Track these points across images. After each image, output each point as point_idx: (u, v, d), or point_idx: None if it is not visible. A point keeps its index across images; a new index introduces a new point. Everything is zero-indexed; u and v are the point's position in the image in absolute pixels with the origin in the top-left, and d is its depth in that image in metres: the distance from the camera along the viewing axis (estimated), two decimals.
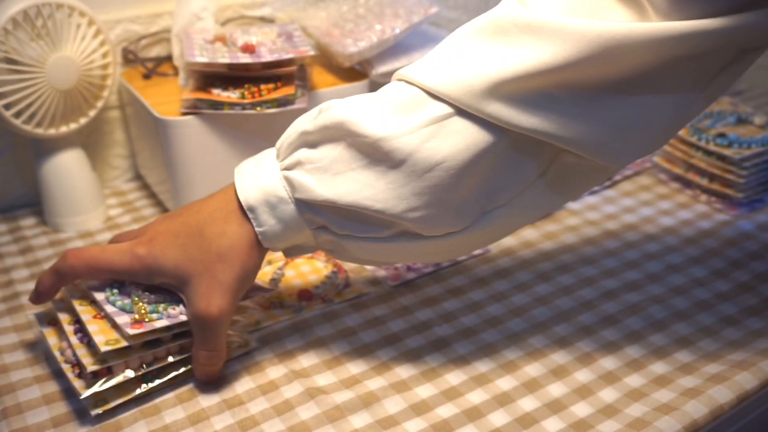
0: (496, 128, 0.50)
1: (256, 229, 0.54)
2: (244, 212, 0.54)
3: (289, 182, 0.53)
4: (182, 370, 0.58)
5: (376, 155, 0.51)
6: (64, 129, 0.75)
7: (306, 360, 0.61)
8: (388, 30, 0.80)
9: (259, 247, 0.55)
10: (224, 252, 0.53)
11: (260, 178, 0.54)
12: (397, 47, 0.82)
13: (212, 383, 0.58)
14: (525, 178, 0.53)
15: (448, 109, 0.50)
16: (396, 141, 0.50)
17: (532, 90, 0.49)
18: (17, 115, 0.71)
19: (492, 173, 0.52)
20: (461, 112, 0.50)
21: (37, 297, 0.58)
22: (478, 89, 0.49)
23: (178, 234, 0.55)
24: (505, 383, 0.59)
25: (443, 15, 1.01)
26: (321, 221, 0.54)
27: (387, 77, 0.82)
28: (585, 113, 0.50)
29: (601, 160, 0.52)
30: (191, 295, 0.54)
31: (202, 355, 0.56)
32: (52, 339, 0.59)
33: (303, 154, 0.53)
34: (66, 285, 0.58)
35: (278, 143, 0.56)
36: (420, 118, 0.50)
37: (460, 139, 0.50)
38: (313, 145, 0.53)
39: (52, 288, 0.57)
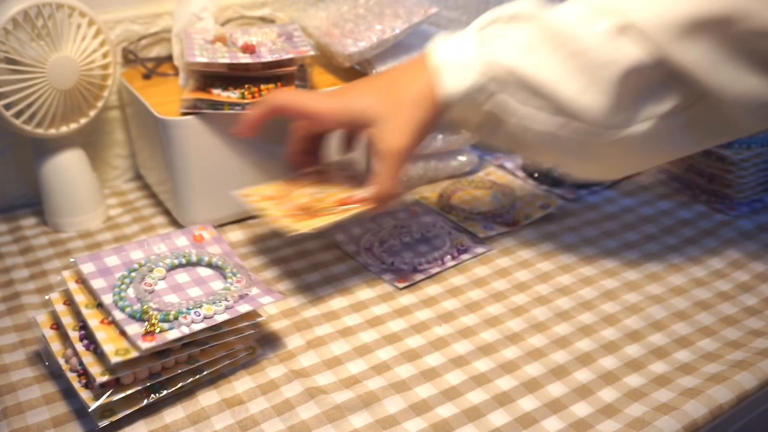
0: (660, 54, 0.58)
1: (442, 84, 0.62)
2: (432, 69, 0.63)
3: (481, 41, 0.62)
4: (190, 380, 0.57)
5: (563, 41, 0.60)
6: (64, 129, 0.75)
7: (306, 360, 0.61)
8: (388, 30, 0.80)
9: (439, 108, 0.63)
10: (412, 99, 0.63)
11: (453, 43, 0.63)
12: (397, 47, 0.82)
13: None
14: (671, 104, 0.60)
15: (623, 21, 0.58)
16: (583, 36, 0.59)
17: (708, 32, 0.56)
18: (18, 115, 0.71)
19: (645, 85, 0.59)
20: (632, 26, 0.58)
21: (239, 128, 0.69)
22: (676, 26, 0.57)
23: (371, 83, 0.66)
24: (505, 383, 0.59)
25: (443, 15, 1.02)
26: (499, 86, 0.62)
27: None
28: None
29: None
30: (379, 133, 0.63)
31: (380, 182, 0.64)
32: (55, 344, 0.58)
33: (499, 27, 0.62)
34: (270, 117, 0.68)
35: (472, 25, 0.64)
36: (604, 24, 0.59)
37: (630, 50, 0.58)
38: (508, 21, 0.62)
39: (258, 118, 0.68)
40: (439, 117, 0.64)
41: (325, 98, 0.66)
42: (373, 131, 0.64)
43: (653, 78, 0.59)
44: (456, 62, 0.62)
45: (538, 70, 0.60)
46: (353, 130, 0.70)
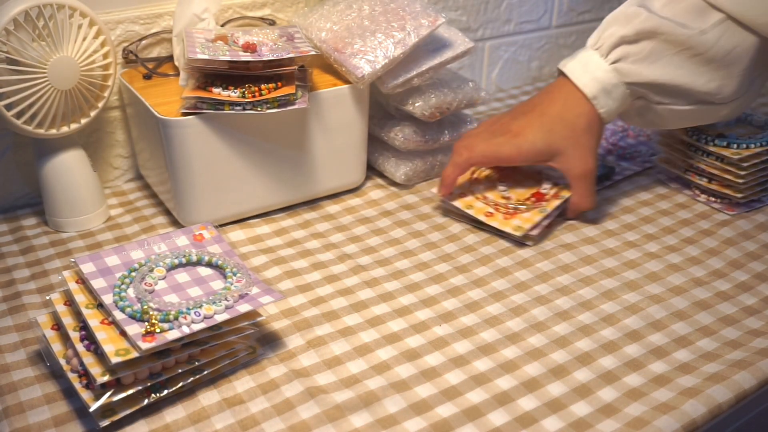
0: (754, 31, 0.72)
1: (599, 110, 0.76)
2: (587, 100, 0.76)
3: (618, 72, 0.75)
4: (190, 380, 0.57)
5: (683, 47, 0.72)
6: (65, 129, 0.75)
7: (306, 359, 0.62)
8: (399, 47, 0.80)
9: (602, 127, 0.78)
10: (586, 127, 0.76)
11: (594, 73, 0.76)
12: (407, 58, 0.82)
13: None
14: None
15: (722, 15, 0.72)
16: (697, 38, 0.72)
17: None
18: (18, 115, 0.71)
19: (753, 61, 0.73)
20: (731, 18, 0.71)
21: (444, 189, 0.81)
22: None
23: (542, 123, 0.77)
24: (505, 383, 0.59)
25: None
26: (641, 94, 0.76)
27: (398, 88, 0.83)
28: None
29: None
30: (568, 163, 0.77)
31: (579, 199, 0.79)
32: (56, 345, 0.58)
33: (624, 50, 0.75)
34: (462, 173, 0.80)
35: (594, 44, 0.77)
36: (708, 21, 0.72)
37: (737, 36, 0.72)
38: (630, 42, 0.74)
39: (454, 179, 0.80)
40: (603, 128, 0.79)
41: (510, 143, 0.78)
42: (560, 162, 0.78)
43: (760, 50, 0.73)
44: (605, 91, 0.76)
45: (671, 76, 0.74)
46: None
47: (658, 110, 0.77)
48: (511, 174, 0.84)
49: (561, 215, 0.82)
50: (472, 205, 0.80)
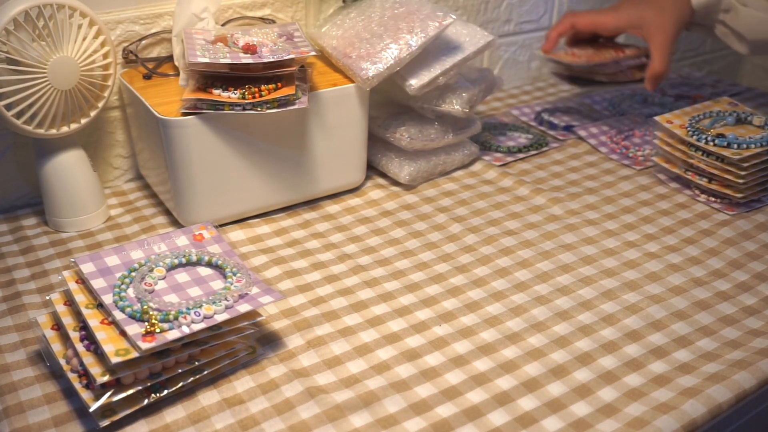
0: None
1: (693, 2, 0.92)
2: None
3: None
4: (190, 380, 0.57)
5: None
6: (65, 129, 0.75)
7: (306, 359, 0.62)
8: (405, 48, 0.80)
9: (690, 12, 0.92)
10: (672, 7, 0.91)
11: None
12: (427, 56, 0.83)
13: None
14: None
15: None
16: None
17: None
18: (18, 115, 0.71)
19: None
20: None
21: (548, 44, 0.98)
22: None
23: (638, 1, 0.94)
24: (505, 383, 0.59)
25: None
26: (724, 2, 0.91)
27: (425, 89, 0.83)
28: None
29: None
30: (651, 30, 0.91)
31: (657, 63, 0.91)
32: (56, 345, 0.59)
33: None
34: (567, 33, 0.98)
35: None
36: None
37: None
38: None
39: (557, 37, 0.97)
40: (688, 18, 0.92)
41: (607, 13, 0.95)
42: (645, 30, 0.91)
43: None
44: None
45: None
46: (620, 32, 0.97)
47: (742, 14, 0.90)
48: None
49: (639, 81, 0.97)
50: (563, 58, 0.98)
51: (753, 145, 0.82)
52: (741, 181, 0.81)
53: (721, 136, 0.83)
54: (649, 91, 0.97)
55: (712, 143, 0.83)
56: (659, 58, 0.91)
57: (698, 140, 0.84)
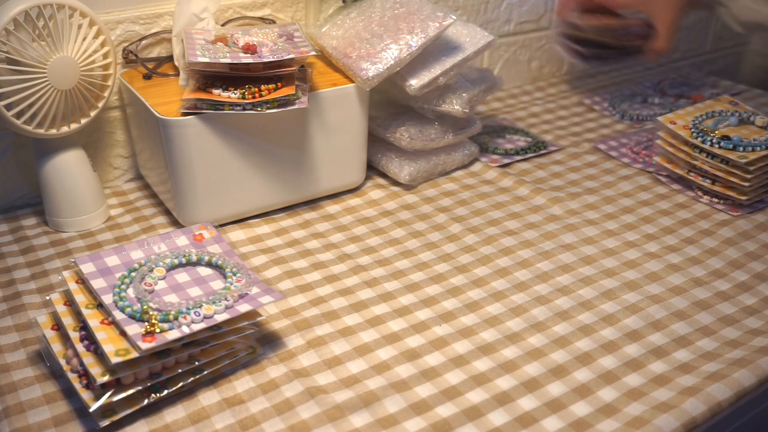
0: None
1: None
2: None
3: None
4: (190, 380, 0.57)
5: None
6: (65, 129, 0.75)
7: (306, 359, 0.62)
8: (405, 48, 0.80)
9: None
10: None
11: None
12: (427, 56, 0.83)
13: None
14: None
15: None
16: None
17: None
18: (18, 115, 0.71)
19: None
20: None
21: (563, 9, 0.99)
22: None
23: None
24: (505, 383, 0.59)
25: None
26: None
27: (425, 89, 0.83)
28: None
29: None
30: (656, 9, 0.94)
31: (661, 40, 0.94)
32: (56, 345, 0.58)
33: None
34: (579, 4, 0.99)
35: None
36: None
37: None
38: None
39: (570, 4, 0.99)
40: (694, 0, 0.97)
41: None
42: (651, 8, 0.95)
43: None
44: None
45: None
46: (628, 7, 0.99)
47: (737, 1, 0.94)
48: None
49: (638, 53, 0.98)
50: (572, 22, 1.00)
51: (758, 148, 0.81)
52: (747, 184, 0.81)
53: (725, 138, 0.83)
54: (648, 61, 1.01)
55: (717, 146, 0.82)
56: (664, 35, 0.96)
57: (703, 142, 0.83)
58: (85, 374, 0.55)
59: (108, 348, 0.53)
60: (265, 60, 0.73)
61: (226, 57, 0.73)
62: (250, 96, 0.72)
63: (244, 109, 0.72)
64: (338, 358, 0.62)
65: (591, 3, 1.01)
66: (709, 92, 1.14)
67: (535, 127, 1.05)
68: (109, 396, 0.53)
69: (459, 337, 0.64)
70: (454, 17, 0.82)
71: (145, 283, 0.60)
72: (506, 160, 0.94)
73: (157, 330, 0.54)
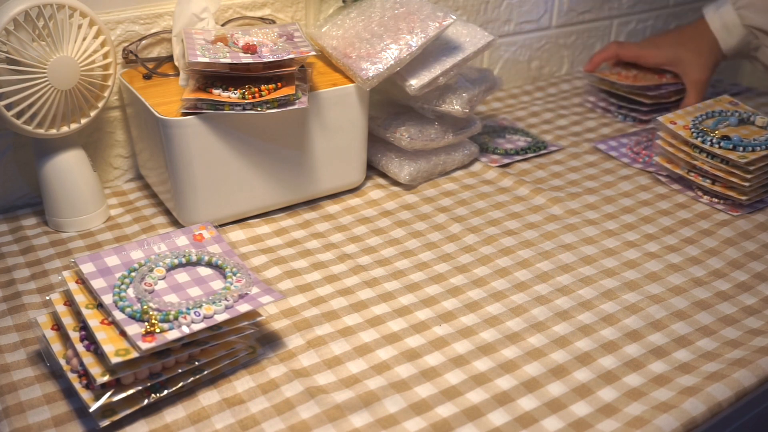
0: None
1: (723, 45, 1.03)
2: (717, 35, 1.03)
3: (740, 16, 1.01)
4: (190, 380, 0.57)
5: None
6: (65, 129, 0.75)
7: (306, 359, 0.62)
8: (405, 48, 0.80)
9: (722, 54, 1.04)
10: (709, 48, 1.03)
11: (722, 15, 1.02)
12: (427, 56, 0.83)
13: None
14: None
15: None
16: None
17: None
18: (18, 115, 0.71)
19: None
20: None
21: (590, 65, 1.10)
22: None
23: (677, 38, 1.06)
24: (505, 383, 0.59)
25: None
26: (753, 40, 1.02)
27: (425, 89, 0.83)
28: None
29: None
30: (687, 68, 1.03)
31: (691, 100, 1.02)
32: (56, 345, 0.58)
33: (747, 1, 1.00)
34: (610, 60, 1.11)
35: None
36: None
37: None
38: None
39: (600, 60, 1.10)
40: (721, 60, 1.04)
41: (649, 48, 1.06)
42: (682, 68, 1.03)
43: None
44: (727, 29, 1.02)
45: None
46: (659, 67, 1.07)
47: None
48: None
49: (668, 110, 0.96)
50: (608, 76, 1.08)
51: (758, 148, 0.81)
52: (747, 184, 0.81)
53: (725, 138, 0.83)
54: None
55: (717, 146, 0.82)
56: (694, 95, 1.03)
57: (703, 142, 0.83)
58: (85, 374, 0.55)
59: (108, 348, 0.53)
60: (265, 60, 0.73)
61: (226, 57, 0.73)
62: (250, 96, 0.72)
63: (244, 109, 0.72)
64: (338, 358, 0.62)
65: (622, 59, 1.09)
66: (709, 92, 1.14)
67: (535, 127, 1.05)
68: (109, 396, 0.53)
69: (459, 337, 0.64)
70: (454, 17, 0.82)
71: (145, 283, 0.60)
72: (506, 160, 0.94)
73: (157, 330, 0.54)
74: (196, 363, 0.57)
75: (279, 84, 0.74)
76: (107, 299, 0.57)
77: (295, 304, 0.68)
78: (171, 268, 0.62)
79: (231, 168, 0.77)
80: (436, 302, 0.69)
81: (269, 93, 0.73)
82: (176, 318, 0.56)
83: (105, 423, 0.53)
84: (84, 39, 0.72)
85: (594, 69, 1.10)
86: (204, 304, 0.57)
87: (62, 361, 0.57)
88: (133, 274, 0.60)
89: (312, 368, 0.61)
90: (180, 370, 0.56)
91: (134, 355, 0.53)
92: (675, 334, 0.65)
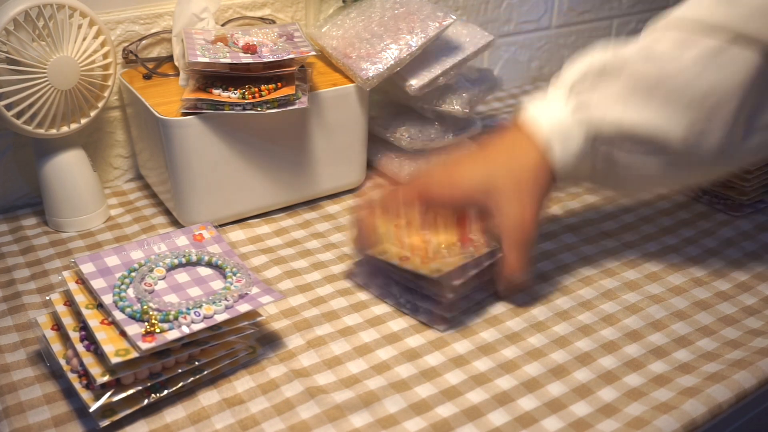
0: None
1: (553, 161, 0.62)
2: (543, 146, 0.62)
3: (578, 112, 0.62)
4: (190, 380, 0.57)
5: (656, 85, 0.58)
6: (65, 129, 0.75)
7: (306, 359, 0.62)
8: (405, 48, 0.80)
9: (553, 176, 0.63)
10: (532, 169, 0.62)
11: (553, 117, 0.62)
12: (427, 56, 0.83)
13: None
14: None
15: (706, 45, 0.57)
16: (674, 78, 0.58)
17: None
18: (18, 115, 0.71)
19: (742, 102, 0.58)
20: (737, 41, 0.56)
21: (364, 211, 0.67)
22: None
23: (483, 156, 0.64)
24: (505, 382, 0.59)
25: None
26: (601, 147, 0.62)
27: (425, 89, 0.83)
28: None
29: None
30: (503, 204, 0.62)
31: (511, 261, 0.62)
32: (56, 345, 0.58)
33: (588, 86, 0.62)
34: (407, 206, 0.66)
35: (560, 83, 0.64)
36: (690, 51, 0.57)
37: (734, 67, 0.56)
38: (596, 80, 0.61)
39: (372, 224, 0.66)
40: (554, 183, 0.64)
41: (440, 184, 0.65)
42: (493, 202, 0.62)
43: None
44: (560, 132, 0.62)
45: (640, 119, 0.59)
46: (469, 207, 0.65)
47: (624, 169, 0.63)
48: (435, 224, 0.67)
49: (491, 283, 0.67)
50: (386, 250, 0.66)
51: None
52: (747, 185, 0.81)
53: None
54: (500, 295, 0.68)
55: None
56: (514, 257, 0.63)
57: None
58: (85, 374, 0.55)
59: (108, 348, 0.53)
60: (265, 60, 0.73)
61: (226, 57, 0.73)
62: (250, 96, 0.72)
63: (244, 109, 0.72)
64: (338, 358, 0.62)
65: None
66: None
67: None
68: (109, 396, 0.53)
69: (459, 337, 0.64)
70: (454, 17, 0.82)
71: (145, 283, 0.60)
72: None
73: (157, 330, 0.54)
74: (196, 363, 0.57)
75: (279, 84, 0.74)
76: (107, 299, 0.57)
77: (295, 304, 0.68)
78: (171, 268, 0.62)
79: (231, 168, 0.77)
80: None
81: (269, 93, 0.73)
82: (176, 318, 0.56)
83: (105, 423, 0.53)
84: (84, 39, 0.72)
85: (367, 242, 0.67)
86: (204, 304, 0.57)
87: (62, 361, 0.57)
88: (133, 274, 0.60)
89: (312, 368, 0.61)
90: (180, 370, 0.56)
91: (134, 355, 0.53)
92: (675, 334, 0.65)
